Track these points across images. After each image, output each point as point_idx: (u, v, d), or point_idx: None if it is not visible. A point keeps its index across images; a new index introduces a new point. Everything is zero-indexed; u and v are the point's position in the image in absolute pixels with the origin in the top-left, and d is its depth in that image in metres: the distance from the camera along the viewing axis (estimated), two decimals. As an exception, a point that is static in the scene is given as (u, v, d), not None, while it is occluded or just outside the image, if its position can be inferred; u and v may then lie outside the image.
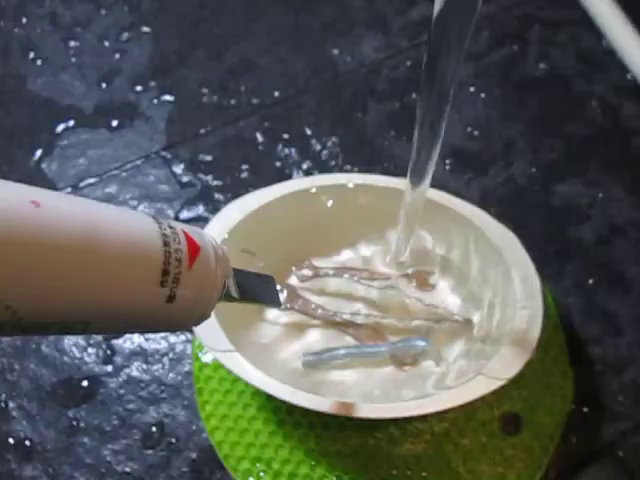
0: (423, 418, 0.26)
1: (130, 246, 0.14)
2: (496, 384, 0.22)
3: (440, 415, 0.24)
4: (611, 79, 0.36)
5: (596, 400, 0.27)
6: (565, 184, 0.32)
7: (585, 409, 0.27)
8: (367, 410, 0.22)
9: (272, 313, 0.26)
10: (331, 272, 0.27)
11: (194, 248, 0.15)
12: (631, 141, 0.34)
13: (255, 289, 0.19)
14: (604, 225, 0.31)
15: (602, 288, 0.29)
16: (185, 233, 0.15)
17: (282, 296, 0.24)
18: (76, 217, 0.13)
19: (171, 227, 0.15)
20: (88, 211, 0.14)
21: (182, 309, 0.15)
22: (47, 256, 0.12)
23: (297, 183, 0.26)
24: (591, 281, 0.29)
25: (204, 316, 0.16)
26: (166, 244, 0.15)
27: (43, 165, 0.34)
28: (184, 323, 0.16)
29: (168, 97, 0.36)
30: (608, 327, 0.28)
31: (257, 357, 0.23)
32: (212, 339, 0.23)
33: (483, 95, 0.35)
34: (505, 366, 0.22)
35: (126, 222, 0.14)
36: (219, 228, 0.25)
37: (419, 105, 0.17)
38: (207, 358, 0.27)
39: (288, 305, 0.25)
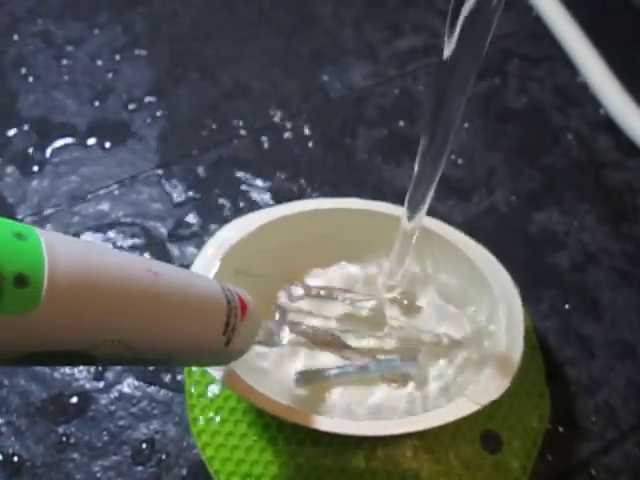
0: (407, 436, 0.27)
1: (207, 302, 0.19)
2: (475, 407, 0.23)
3: (424, 433, 0.25)
4: (585, 113, 0.38)
5: (571, 420, 0.28)
6: (543, 212, 0.34)
7: (561, 429, 0.28)
8: (349, 427, 0.23)
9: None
10: (323, 292, 0.28)
11: (244, 305, 0.20)
12: (603, 173, 0.36)
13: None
14: (579, 253, 0.33)
15: (577, 313, 0.31)
16: (237, 294, 0.20)
17: (276, 318, 0.25)
18: (177, 282, 0.17)
19: (228, 289, 0.20)
20: (182, 276, 0.18)
21: (233, 351, 0.20)
22: (160, 309, 0.16)
23: (292, 206, 0.27)
24: (567, 306, 0.31)
25: (242, 355, 0.21)
26: (228, 302, 0.19)
27: (34, 182, 0.34)
28: (229, 361, 0.21)
29: (161, 117, 0.37)
30: (582, 350, 0.30)
31: (251, 375, 0.24)
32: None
33: (467, 125, 0.37)
34: (486, 390, 0.24)
35: (204, 284, 0.19)
36: (215, 249, 0.26)
37: (422, 141, 0.18)
38: (199, 375, 0.27)
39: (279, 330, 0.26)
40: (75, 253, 0.14)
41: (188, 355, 0.19)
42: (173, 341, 0.17)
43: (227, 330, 0.19)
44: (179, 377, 0.28)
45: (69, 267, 0.14)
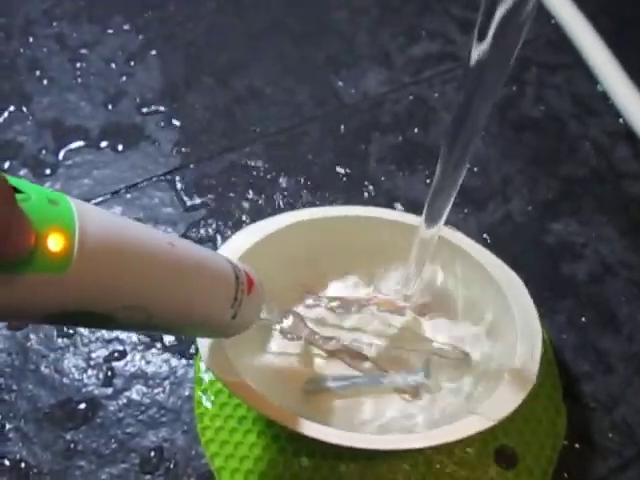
0: (419, 450, 0.26)
1: (218, 277, 0.19)
2: (489, 423, 0.23)
3: (437, 448, 0.25)
4: (604, 123, 0.37)
5: (588, 437, 0.27)
6: (560, 223, 0.33)
7: (577, 445, 0.27)
8: (359, 441, 0.23)
9: (277, 342, 0.27)
10: (337, 302, 0.27)
11: (250, 282, 0.21)
12: (623, 183, 0.35)
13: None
14: (597, 264, 0.32)
15: (594, 326, 0.30)
16: (244, 270, 0.21)
17: (287, 323, 0.25)
18: (192, 254, 0.18)
19: (236, 265, 0.21)
20: (197, 250, 0.19)
21: (238, 324, 0.21)
22: (176, 278, 0.17)
23: (305, 213, 0.27)
24: (584, 319, 0.30)
25: (247, 329, 0.22)
26: (237, 277, 0.20)
27: (47, 185, 0.34)
28: (235, 333, 0.21)
29: (174, 121, 0.36)
30: (600, 365, 0.29)
31: (262, 385, 0.24)
32: (220, 368, 0.23)
33: (483, 133, 0.36)
34: (501, 405, 0.23)
35: (215, 259, 0.20)
36: (228, 255, 0.26)
37: (443, 148, 0.18)
38: (208, 383, 0.27)
39: (293, 334, 0.26)
40: (103, 220, 0.15)
41: (198, 325, 0.20)
42: (187, 310, 0.18)
43: (235, 304, 0.20)
44: (188, 384, 0.28)
45: (98, 231, 0.15)
